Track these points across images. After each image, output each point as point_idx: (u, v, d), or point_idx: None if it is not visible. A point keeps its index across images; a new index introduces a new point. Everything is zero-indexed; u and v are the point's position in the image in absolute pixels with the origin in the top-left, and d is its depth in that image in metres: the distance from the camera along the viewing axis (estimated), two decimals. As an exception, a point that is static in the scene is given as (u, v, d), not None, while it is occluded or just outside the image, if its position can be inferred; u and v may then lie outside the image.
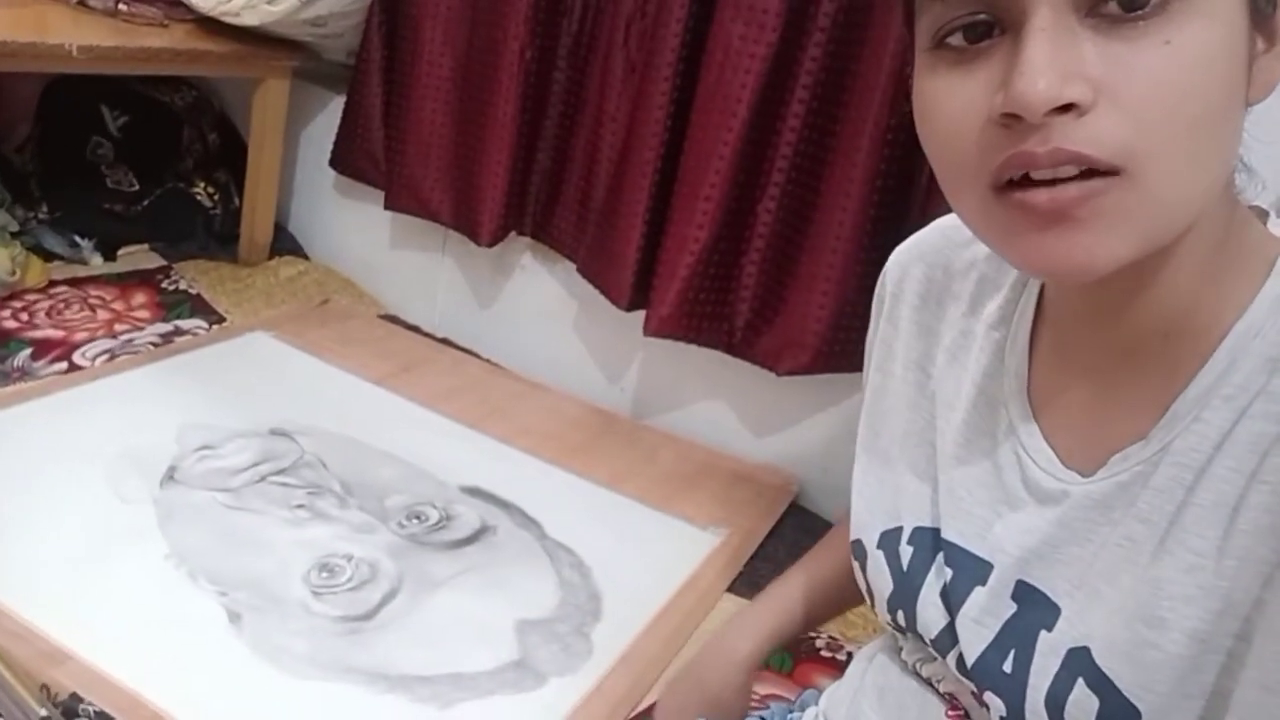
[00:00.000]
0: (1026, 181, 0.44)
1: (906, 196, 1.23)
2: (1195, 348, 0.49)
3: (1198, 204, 0.45)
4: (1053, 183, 0.43)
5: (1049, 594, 0.53)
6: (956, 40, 0.46)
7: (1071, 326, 0.55)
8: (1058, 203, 0.43)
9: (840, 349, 1.30)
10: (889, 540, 0.62)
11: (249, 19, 1.64)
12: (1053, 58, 0.41)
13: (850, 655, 1.13)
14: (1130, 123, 0.42)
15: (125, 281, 1.68)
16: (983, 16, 0.44)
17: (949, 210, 0.52)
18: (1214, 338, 0.48)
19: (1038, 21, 0.42)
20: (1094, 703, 0.49)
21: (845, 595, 0.78)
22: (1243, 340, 0.48)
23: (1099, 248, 0.43)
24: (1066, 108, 0.42)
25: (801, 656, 1.12)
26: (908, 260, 0.66)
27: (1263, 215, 0.53)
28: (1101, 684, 0.49)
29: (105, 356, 1.44)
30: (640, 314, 1.43)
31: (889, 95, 1.18)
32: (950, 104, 0.46)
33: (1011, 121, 0.43)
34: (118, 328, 1.53)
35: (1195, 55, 0.42)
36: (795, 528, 1.35)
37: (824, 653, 1.13)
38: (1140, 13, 0.41)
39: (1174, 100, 0.42)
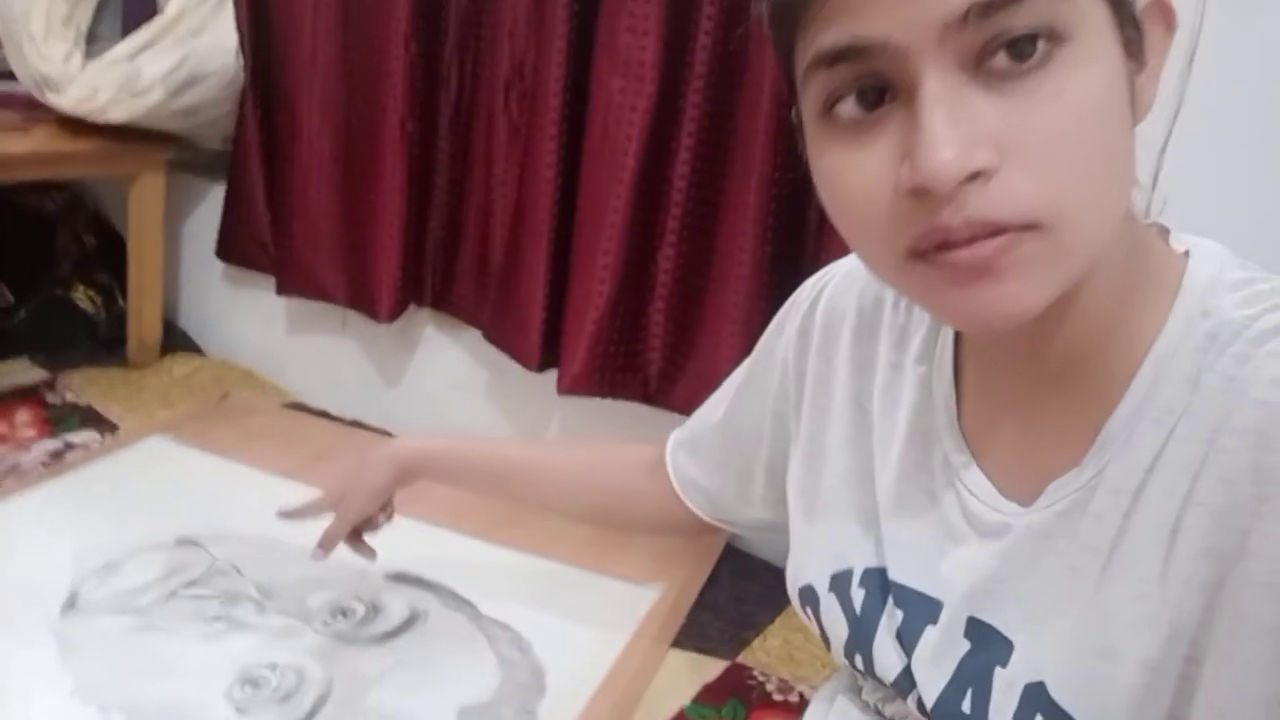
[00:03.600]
0: (945, 246, 0.43)
1: (800, 231, 1.24)
2: (1117, 371, 0.49)
3: (1108, 236, 0.46)
4: (970, 240, 0.42)
5: (1000, 629, 0.52)
6: (848, 109, 0.44)
7: (993, 360, 0.55)
8: (977, 258, 0.43)
9: (755, 388, 1.30)
10: (840, 584, 0.60)
11: (116, 115, 1.57)
12: (953, 126, 0.41)
13: (802, 695, 1.11)
14: (1037, 180, 0.42)
15: (6, 400, 1.59)
16: (872, 82, 0.43)
17: (844, 244, 0.51)
18: (1134, 360, 0.48)
19: (930, 89, 0.41)
20: None
21: (518, 491, 1.00)
22: (1162, 361, 0.48)
23: (1023, 295, 0.43)
24: (975, 175, 0.41)
25: (755, 704, 1.10)
26: (840, 293, 0.65)
27: (1164, 233, 0.53)
28: (1060, 719, 0.48)
29: (-11, 483, 1.35)
30: (553, 374, 1.41)
31: (771, 138, 1.19)
32: (855, 179, 0.45)
33: (921, 194, 0.42)
34: (0, 450, 1.44)
35: (1088, 103, 0.42)
36: (732, 572, 1.34)
37: (775, 696, 1.11)
38: (1029, 63, 0.41)
39: (1076, 152, 0.42)
